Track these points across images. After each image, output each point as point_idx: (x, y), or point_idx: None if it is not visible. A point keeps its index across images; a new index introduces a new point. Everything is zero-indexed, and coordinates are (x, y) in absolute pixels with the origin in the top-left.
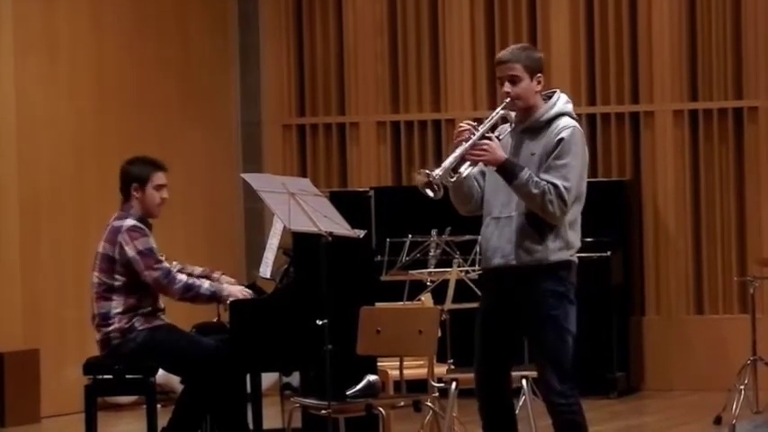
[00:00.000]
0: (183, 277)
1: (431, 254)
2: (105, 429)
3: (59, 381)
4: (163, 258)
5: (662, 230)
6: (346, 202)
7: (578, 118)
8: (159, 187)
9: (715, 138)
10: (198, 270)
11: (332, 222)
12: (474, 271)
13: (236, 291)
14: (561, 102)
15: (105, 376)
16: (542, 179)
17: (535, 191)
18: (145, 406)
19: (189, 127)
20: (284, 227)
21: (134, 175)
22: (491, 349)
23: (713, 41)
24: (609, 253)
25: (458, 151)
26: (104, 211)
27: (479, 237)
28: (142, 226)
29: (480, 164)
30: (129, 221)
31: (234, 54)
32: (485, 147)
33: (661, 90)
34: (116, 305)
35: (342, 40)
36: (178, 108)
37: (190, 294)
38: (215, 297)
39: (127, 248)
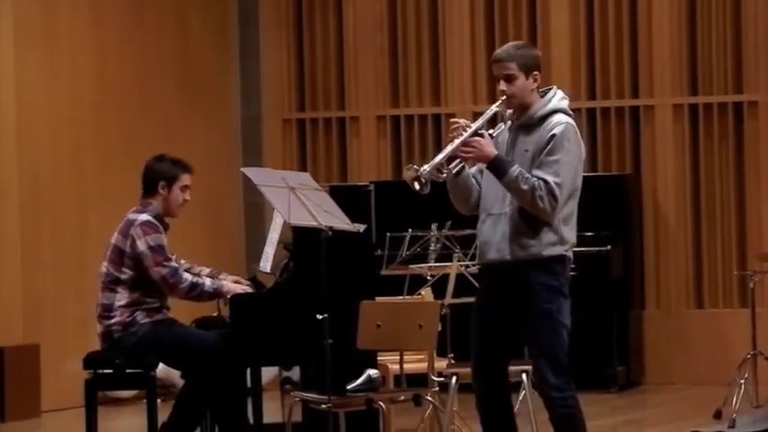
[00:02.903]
0: (188, 276)
1: (431, 248)
2: (105, 424)
3: (60, 375)
4: (173, 257)
5: (662, 225)
6: (346, 197)
7: (574, 114)
8: (185, 188)
9: (715, 132)
10: (206, 271)
11: (332, 217)
12: (474, 265)
13: (236, 287)
14: (556, 98)
15: (106, 370)
16: (533, 175)
17: (525, 187)
18: (145, 400)
19: (189, 121)
20: (284, 221)
21: (163, 173)
22: (487, 343)
23: (713, 36)
24: (609, 247)
25: (448, 148)
26: (105, 206)
27: (477, 232)
28: (156, 222)
29: (477, 162)
30: (145, 216)
31: (234, 48)
32: (474, 144)
33: (661, 84)
34: (120, 297)
35: (342, 34)
36: (178, 102)
37: (195, 293)
38: (217, 294)
39: (138, 242)
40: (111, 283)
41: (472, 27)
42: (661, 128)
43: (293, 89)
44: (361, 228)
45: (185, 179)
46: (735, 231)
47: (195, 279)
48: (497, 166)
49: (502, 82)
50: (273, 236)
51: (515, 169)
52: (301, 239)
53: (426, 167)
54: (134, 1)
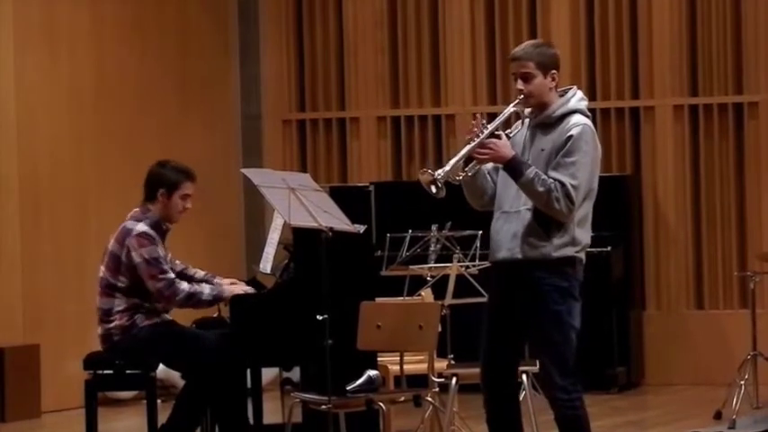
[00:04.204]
0: (185, 286)
1: (431, 249)
2: (105, 424)
3: (60, 376)
4: (168, 258)
5: (662, 225)
6: (346, 198)
7: (591, 115)
8: (185, 197)
9: (715, 133)
10: (200, 273)
11: (332, 217)
12: (474, 266)
13: (237, 289)
14: (575, 99)
15: (106, 371)
16: (550, 176)
17: (541, 189)
18: (145, 401)
19: (189, 121)
20: (284, 222)
21: (165, 180)
22: (497, 343)
23: (713, 36)
24: (609, 248)
25: (464, 150)
26: (104, 206)
27: (480, 232)
28: (152, 233)
29: (493, 163)
30: (141, 227)
31: (234, 48)
32: (491, 145)
33: (661, 85)
34: (119, 303)
35: (342, 35)
36: (178, 102)
37: (192, 302)
38: (217, 300)
39: (133, 254)
40: (109, 289)
41: (472, 27)
42: (661, 129)
43: (293, 90)
44: (361, 228)
45: (187, 187)
46: (735, 232)
47: (192, 289)
48: (514, 168)
49: (519, 80)
50: (274, 236)
51: (531, 171)
52: (301, 240)
53: (441, 171)
54: (134, 1)
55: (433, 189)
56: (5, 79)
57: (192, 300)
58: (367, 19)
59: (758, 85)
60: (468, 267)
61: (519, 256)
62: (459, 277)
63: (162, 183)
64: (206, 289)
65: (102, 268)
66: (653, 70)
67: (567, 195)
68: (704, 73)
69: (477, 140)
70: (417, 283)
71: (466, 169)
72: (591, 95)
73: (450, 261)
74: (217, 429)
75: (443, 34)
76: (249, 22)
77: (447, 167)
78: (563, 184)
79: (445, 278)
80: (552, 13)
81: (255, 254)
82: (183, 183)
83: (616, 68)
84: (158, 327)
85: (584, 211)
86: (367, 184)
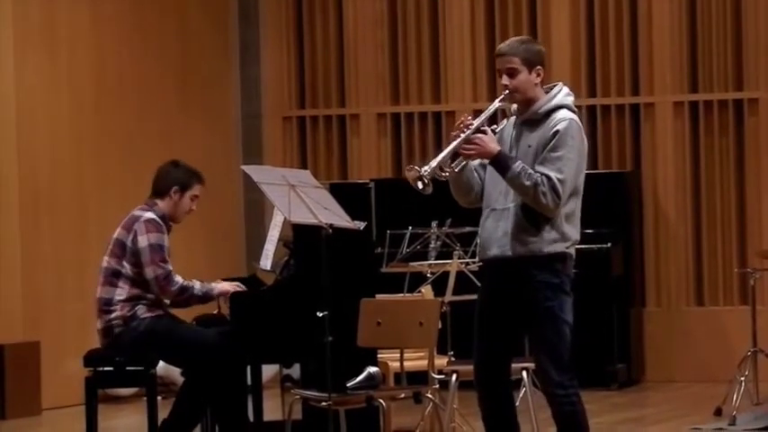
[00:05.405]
0: (179, 279)
1: (431, 246)
2: (106, 421)
3: (60, 373)
4: (169, 260)
5: (662, 222)
6: (346, 194)
7: (578, 111)
8: (194, 198)
9: (715, 129)
10: (198, 284)
11: (332, 214)
12: (474, 263)
13: (227, 286)
14: (561, 94)
15: (106, 368)
16: (536, 171)
17: (527, 183)
18: (145, 398)
19: (189, 119)
20: (284, 219)
21: (179, 179)
22: (489, 341)
23: (713, 33)
24: (609, 244)
25: (450, 146)
26: (104, 204)
27: (479, 228)
28: (161, 222)
29: (480, 159)
30: (150, 214)
31: (234, 46)
32: (476, 140)
33: (661, 81)
34: (120, 292)
35: (342, 32)
36: (178, 100)
37: (184, 296)
38: (207, 296)
39: (140, 238)
40: (112, 277)
41: (472, 24)
42: (661, 125)
43: (293, 87)
44: (362, 225)
45: (197, 189)
46: (735, 229)
47: (185, 283)
48: (500, 163)
49: (504, 76)
50: (274, 233)
51: (518, 165)
52: (301, 237)
53: (428, 168)
54: (134, 1)
55: (420, 185)
56: (5, 79)
57: (185, 293)
58: (367, 17)
59: (758, 82)
60: (468, 264)
61: (509, 253)
62: (460, 274)
63: (176, 181)
64: (197, 284)
65: (106, 257)
66: (653, 66)
67: (554, 189)
68: (704, 69)
69: (462, 136)
70: (417, 279)
71: (452, 165)
72: (591, 92)
73: (451, 258)
74: (217, 426)
75: (443, 31)
76: (249, 22)
77: (433, 164)
78: (549, 178)
79: (445, 275)
80: (553, 9)
81: (255, 251)
82: (195, 184)
83: (616, 65)
84: (160, 319)
85: (572, 206)
86: (367, 181)
